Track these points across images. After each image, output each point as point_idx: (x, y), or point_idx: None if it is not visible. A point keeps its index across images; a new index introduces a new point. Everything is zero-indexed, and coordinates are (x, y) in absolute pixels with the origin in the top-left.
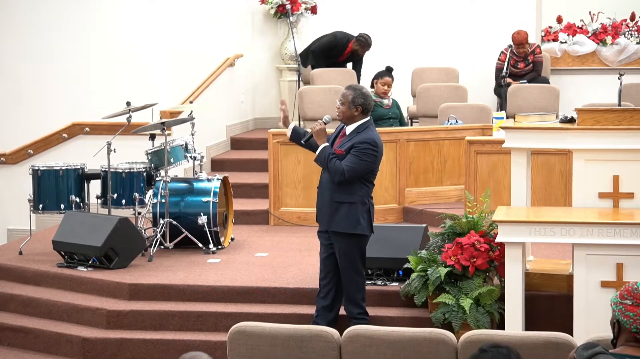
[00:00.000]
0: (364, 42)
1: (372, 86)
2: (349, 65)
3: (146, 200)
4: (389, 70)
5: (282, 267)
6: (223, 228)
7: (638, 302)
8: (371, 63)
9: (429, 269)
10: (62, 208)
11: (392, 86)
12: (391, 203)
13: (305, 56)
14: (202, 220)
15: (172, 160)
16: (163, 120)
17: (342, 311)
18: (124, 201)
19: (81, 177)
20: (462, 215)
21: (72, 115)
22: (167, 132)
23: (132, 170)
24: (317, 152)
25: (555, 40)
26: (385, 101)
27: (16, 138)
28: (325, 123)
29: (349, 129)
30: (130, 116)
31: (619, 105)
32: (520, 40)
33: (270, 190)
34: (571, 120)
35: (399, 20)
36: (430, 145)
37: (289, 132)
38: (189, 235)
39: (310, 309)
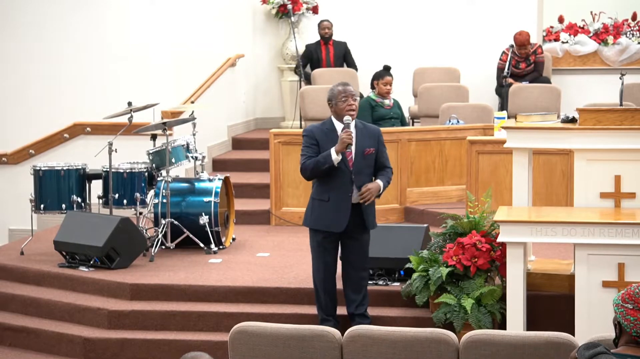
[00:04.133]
0: (319, 22)
1: (372, 87)
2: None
3: (147, 200)
4: (387, 69)
5: (284, 267)
6: (224, 228)
7: (639, 306)
8: (373, 63)
9: (430, 269)
10: (64, 208)
11: (393, 85)
12: (392, 203)
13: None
14: (204, 220)
15: (173, 160)
16: (164, 120)
17: (343, 311)
18: (125, 201)
19: (82, 177)
20: (464, 215)
21: (73, 115)
22: (168, 132)
23: (133, 170)
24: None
25: (556, 40)
26: (387, 101)
27: (18, 138)
28: (349, 126)
29: (354, 124)
30: (131, 116)
31: (621, 105)
32: (522, 41)
33: (272, 190)
34: (572, 120)
35: (401, 20)
36: (431, 145)
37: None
38: (191, 235)
39: (312, 309)
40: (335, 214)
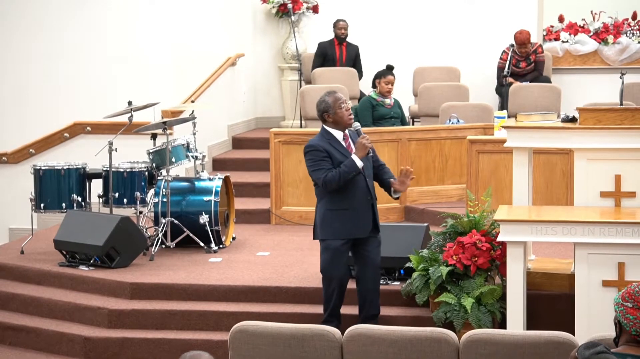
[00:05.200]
0: (335, 22)
1: (374, 86)
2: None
3: (148, 199)
4: (390, 69)
5: (284, 266)
6: (224, 227)
7: (639, 305)
8: (373, 63)
9: (430, 268)
10: (64, 208)
11: (394, 85)
12: (393, 203)
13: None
14: (204, 219)
15: (173, 160)
16: (165, 119)
17: (345, 311)
18: (125, 200)
19: (83, 176)
20: (464, 214)
21: (73, 115)
22: (168, 131)
23: (133, 169)
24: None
25: (557, 39)
26: (387, 100)
27: (18, 137)
28: (360, 132)
29: (347, 132)
30: (131, 115)
31: (621, 104)
32: (522, 39)
33: (272, 189)
34: (573, 120)
35: (401, 19)
36: (431, 144)
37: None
38: (191, 234)
39: (312, 309)
40: (359, 220)
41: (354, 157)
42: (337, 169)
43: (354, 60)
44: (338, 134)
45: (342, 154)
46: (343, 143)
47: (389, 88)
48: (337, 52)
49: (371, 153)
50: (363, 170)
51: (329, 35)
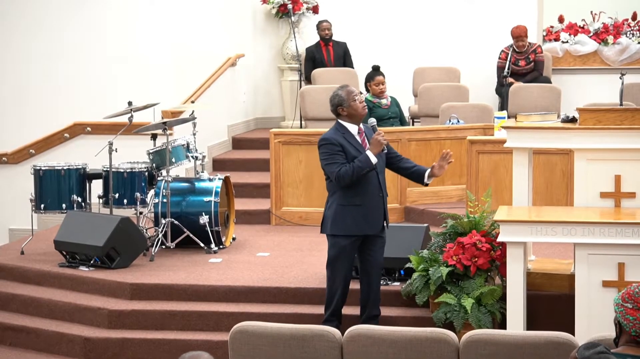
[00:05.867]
0: (318, 23)
1: (367, 90)
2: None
3: (148, 199)
4: (377, 69)
5: (284, 267)
6: (224, 227)
7: (638, 306)
8: (373, 63)
9: (430, 269)
10: (64, 208)
11: (389, 84)
12: (393, 203)
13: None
14: (204, 219)
15: (173, 160)
16: (165, 119)
17: (346, 312)
18: (125, 201)
19: (83, 177)
20: (464, 214)
21: (73, 115)
22: (168, 132)
23: (133, 170)
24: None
25: (556, 39)
26: (384, 101)
27: (18, 137)
28: (376, 128)
29: (363, 126)
30: (131, 116)
31: (621, 104)
32: (519, 33)
33: (272, 190)
34: (573, 120)
35: (400, 19)
36: (431, 144)
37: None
38: (191, 235)
39: (312, 309)
40: (370, 216)
41: (369, 153)
42: (351, 164)
43: (343, 58)
44: (353, 128)
45: (356, 149)
46: (358, 138)
47: (382, 89)
48: (324, 53)
49: (385, 150)
50: (376, 166)
51: None
